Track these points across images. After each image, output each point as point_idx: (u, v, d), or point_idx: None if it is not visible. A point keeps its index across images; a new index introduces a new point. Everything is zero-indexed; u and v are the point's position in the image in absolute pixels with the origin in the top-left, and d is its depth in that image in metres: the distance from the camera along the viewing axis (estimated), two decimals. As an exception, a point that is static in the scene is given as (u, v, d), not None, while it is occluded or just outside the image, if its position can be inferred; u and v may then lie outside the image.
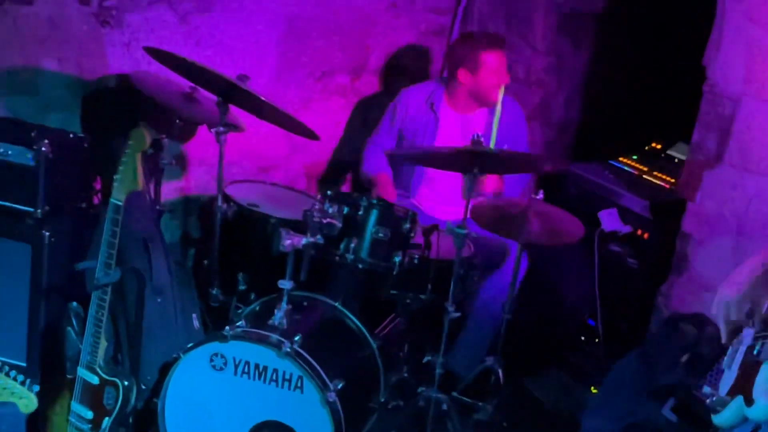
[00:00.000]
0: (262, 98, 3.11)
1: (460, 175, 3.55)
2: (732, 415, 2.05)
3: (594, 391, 3.74)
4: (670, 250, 3.67)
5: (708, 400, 2.16)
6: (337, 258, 3.05)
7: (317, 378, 2.75)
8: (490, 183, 3.73)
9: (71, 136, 3.20)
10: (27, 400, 2.42)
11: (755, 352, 2.03)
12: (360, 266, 3.06)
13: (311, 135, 3.33)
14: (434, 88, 3.88)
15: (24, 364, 3.08)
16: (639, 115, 4.71)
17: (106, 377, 2.81)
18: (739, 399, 2.02)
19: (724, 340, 2.14)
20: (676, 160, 4.08)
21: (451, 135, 3.80)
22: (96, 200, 3.41)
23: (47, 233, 3.02)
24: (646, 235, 3.78)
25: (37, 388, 2.44)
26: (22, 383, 2.41)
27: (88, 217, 3.24)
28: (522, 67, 4.54)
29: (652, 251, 3.77)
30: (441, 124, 3.83)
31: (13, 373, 2.42)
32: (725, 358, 2.22)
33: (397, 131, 3.92)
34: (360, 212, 3.04)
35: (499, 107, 3.70)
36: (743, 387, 2.03)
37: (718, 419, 2.10)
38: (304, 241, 2.85)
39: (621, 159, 4.15)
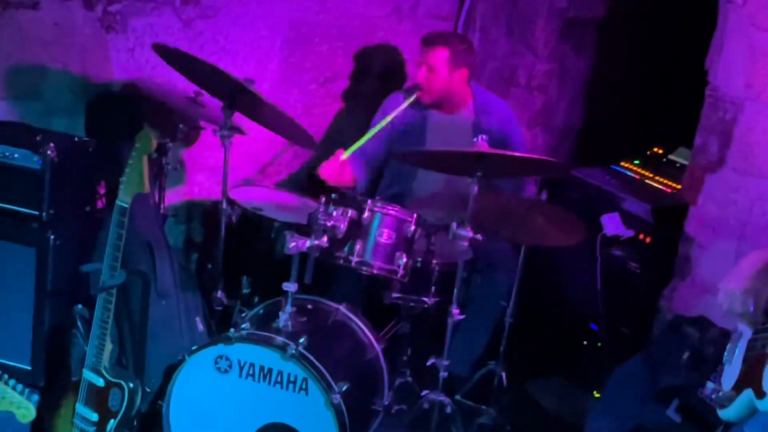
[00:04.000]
0: (266, 100, 3.12)
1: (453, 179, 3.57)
2: (740, 409, 2.06)
3: (596, 395, 3.74)
4: (672, 253, 3.68)
5: (713, 396, 2.17)
6: (341, 261, 3.06)
7: (322, 380, 2.76)
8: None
9: (76, 140, 3.21)
10: (25, 410, 2.39)
11: (758, 345, 2.04)
12: (364, 269, 3.07)
13: (309, 143, 3.34)
14: None
15: (29, 368, 3.09)
16: (640, 120, 4.73)
17: (112, 379, 2.81)
18: (748, 392, 2.03)
19: (747, 325, 2.15)
20: (678, 165, 4.09)
21: (440, 137, 3.78)
22: (100, 204, 3.42)
23: (52, 236, 3.04)
24: (648, 239, 3.78)
25: (36, 398, 2.41)
26: (21, 392, 2.38)
27: (92, 220, 3.25)
28: (524, 73, 4.56)
29: (654, 255, 3.77)
30: (429, 127, 3.82)
31: (12, 382, 2.39)
32: (725, 353, 2.23)
33: (386, 137, 3.92)
34: (364, 215, 3.05)
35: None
36: (750, 380, 2.04)
37: (725, 414, 2.11)
38: (308, 243, 2.87)
39: (623, 163, 4.16)
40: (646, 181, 4.03)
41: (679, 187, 3.86)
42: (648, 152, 4.26)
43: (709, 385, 2.25)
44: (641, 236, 3.79)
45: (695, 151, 3.60)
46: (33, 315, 3.08)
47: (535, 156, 3.21)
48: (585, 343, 4.00)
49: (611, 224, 3.79)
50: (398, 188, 3.86)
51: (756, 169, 3.32)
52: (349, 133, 4.35)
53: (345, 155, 3.49)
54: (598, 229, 3.77)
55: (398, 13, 4.43)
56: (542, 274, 3.89)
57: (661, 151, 4.24)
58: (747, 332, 2.14)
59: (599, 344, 3.90)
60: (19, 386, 2.38)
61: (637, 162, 4.17)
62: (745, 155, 3.35)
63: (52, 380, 3.04)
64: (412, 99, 3.67)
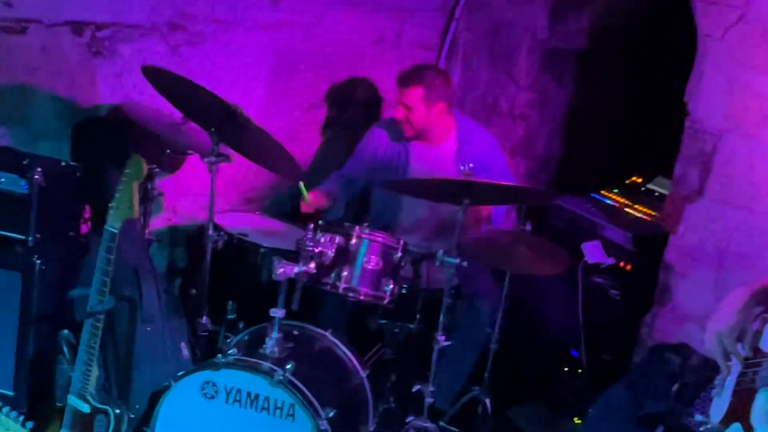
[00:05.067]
0: (254, 123, 3.14)
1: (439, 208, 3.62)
2: None
3: (577, 421, 3.77)
4: (652, 281, 3.73)
5: (701, 428, 2.19)
6: (328, 287, 3.08)
7: (310, 406, 2.76)
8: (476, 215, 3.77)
9: (63, 164, 3.21)
10: None
11: (748, 380, 2.07)
12: (351, 295, 3.09)
13: (295, 173, 3.38)
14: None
15: (12, 393, 3.05)
16: (620, 150, 4.81)
17: (98, 405, 2.79)
18: (736, 426, 2.06)
19: (723, 369, 2.17)
20: (656, 194, 4.16)
21: (423, 168, 3.83)
22: (85, 229, 3.41)
23: (38, 261, 3.03)
24: (628, 267, 3.84)
25: (31, 424, 2.41)
26: (15, 420, 2.40)
27: (77, 245, 3.25)
28: (506, 102, 4.62)
29: (635, 283, 3.83)
30: (412, 158, 3.86)
31: (6, 409, 2.40)
32: (715, 386, 2.26)
33: (369, 169, 3.95)
34: (352, 241, 3.07)
35: None
36: (739, 414, 2.07)
37: None
38: (296, 269, 2.88)
39: (603, 192, 4.22)
40: (626, 209, 4.09)
41: (658, 215, 3.92)
42: (627, 181, 4.32)
43: (698, 417, 2.27)
44: (622, 264, 3.84)
45: (675, 181, 3.66)
46: (17, 340, 3.05)
47: (519, 184, 3.26)
48: (566, 369, 4.03)
49: (592, 252, 3.84)
50: (384, 220, 3.89)
51: (735, 200, 3.39)
52: (332, 159, 4.40)
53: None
54: (579, 257, 3.82)
55: (382, 42, 4.49)
56: (524, 300, 3.92)
57: (639, 180, 4.31)
58: (736, 366, 2.17)
59: (580, 371, 3.93)
60: (13, 413, 2.38)
61: (616, 190, 4.23)
62: (725, 186, 3.42)
63: (36, 406, 3.01)
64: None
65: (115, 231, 2.72)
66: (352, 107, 4.50)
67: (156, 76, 3.24)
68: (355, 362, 3.19)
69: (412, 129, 3.76)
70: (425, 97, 3.68)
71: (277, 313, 2.90)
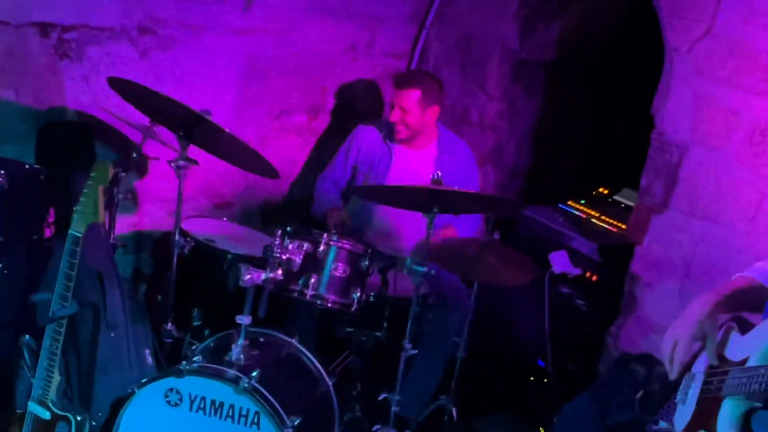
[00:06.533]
0: (226, 130, 3.11)
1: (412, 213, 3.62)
2: None
3: (542, 431, 3.78)
4: (618, 291, 3.76)
5: (665, 436, 2.20)
6: (296, 294, 3.07)
7: (275, 414, 2.74)
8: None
9: (27, 167, 3.17)
10: None
11: (714, 388, 2.08)
12: (318, 303, 3.08)
13: (271, 173, 3.34)
14: (389, 125, 3.93)
15: (-30, 399, 3.01)
16: (587, 161, 4.85)
17: (59, 412, 2.75)
18: None
19: (672, 376, 2.18)
20: (623, 205, 4.21)
21: (403, 171, 3.86)
22: (48, 233, 3.36)
23: (0, 265, 2.98)
24: (594, 277, 3.86)
25: None
26: None
27: (41, 249, 3.20)
28: (476, 112, 4.65)
29: (601, 293, 3.85)
30: (394, 159, 3.89)
31: None
32: (678, 393, 2.27)
33: (352, 166, 3.97)
34: (320, 248, 3.06)
35: None
36: (704, 422, 2.08)
37: None
38: (263, 276, 2.86)
39: (570, 203, 4.25)
40: (592, 220, 4.12)
41: (624, 226, 3.96)
42: (594, 192, 4.36)
43: (662, 423, 2.28)
44: (588, 274, 3.86)
45: (641, 193, 3.70)
46: (-23, 345, 3.01)
47: (488, 193, 3.27)
48: (532, 379, 4.04)
49: (559, 262, 3.86)
50: (359, 221, 3.89)
51: (700, 211, 3.43)
52: (304, 166, 4.40)
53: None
54: (546, 267, 3.83)
55: (354, 50, 4.49)
56: (492, 309, 3.93)
57: (606, 192, 4.35)
58: (701, 374, 2.18)
59: (546, 380, 3.94)
60: None
61: (583, 202, 4.26)
62: (690, 198, 3.46)
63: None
64: None
65: (79, 235, 2.68)
66: (322, 114, 4.49)
67: (123, 88, 3.21)
68: (322, 370, 3.17)
69: (406, 131, 3.81)
70: (421, 99, 3.75)
71: (244, 320, 2.88)
